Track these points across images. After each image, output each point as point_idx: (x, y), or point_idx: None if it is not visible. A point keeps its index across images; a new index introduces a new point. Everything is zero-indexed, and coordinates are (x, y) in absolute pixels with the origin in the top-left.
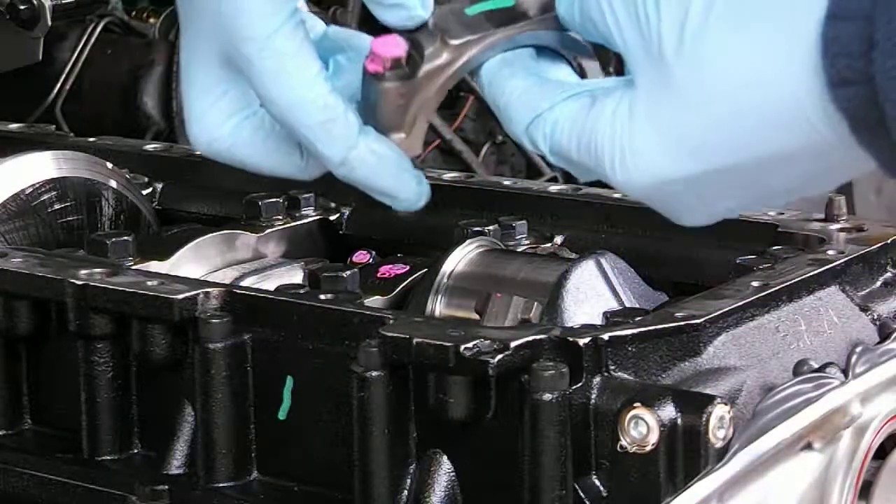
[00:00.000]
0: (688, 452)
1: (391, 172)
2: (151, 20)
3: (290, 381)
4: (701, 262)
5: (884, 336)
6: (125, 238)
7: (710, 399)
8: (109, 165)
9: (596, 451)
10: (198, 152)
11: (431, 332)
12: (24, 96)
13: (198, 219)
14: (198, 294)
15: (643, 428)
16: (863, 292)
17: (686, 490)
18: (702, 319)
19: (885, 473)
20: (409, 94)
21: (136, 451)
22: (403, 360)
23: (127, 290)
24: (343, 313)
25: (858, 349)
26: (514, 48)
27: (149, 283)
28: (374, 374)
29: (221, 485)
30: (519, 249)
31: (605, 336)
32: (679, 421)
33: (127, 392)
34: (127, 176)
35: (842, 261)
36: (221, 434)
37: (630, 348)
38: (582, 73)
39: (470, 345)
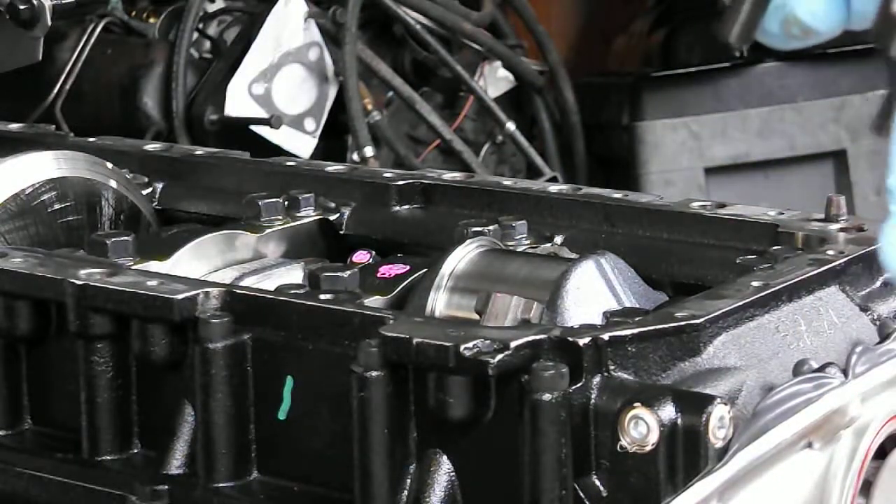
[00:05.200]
0: (688, 452)
1: None
2: (151, 20)
3: (290, 381)
4: (701, 262)
5: (884, 336)
6: (125, 238)
7: (710, 399)
8: (109, 165)
9: (596, 451)
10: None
11: (431, 332)
12: (24, 96)
13: (198, 219)
14: (198, 294)
15: (643, 428)
16: (863, 292)
17: (686, 490)
18: (702, 319)
19: (885, 473)
20: None
21: (136, 451)
22: (403, 360)
23: (127, 290)
24: (343, 313)
25: (858, 349)
26: None
27: (149, 283)
28: (374, 374)
29: (221, 485)
30: (519, 249)
31: (605, 336)
32: (679, 421)
33: (127, 392)
34: (127, 176)
35: (842, 261)
36: (221, 434)
37: (630, 348)
38: None
39: (470, 345)
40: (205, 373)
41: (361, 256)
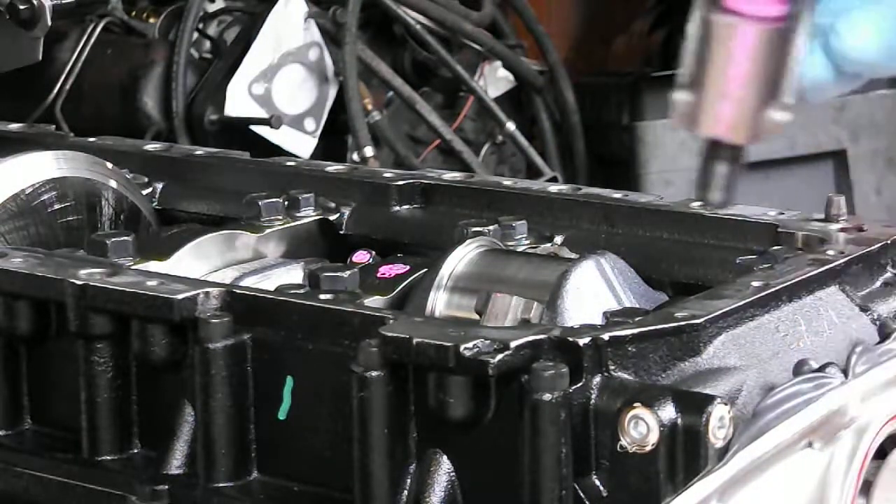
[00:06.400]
0: (688, 452)
1: None
2: (151, 20)
3: (290, 381)
4: (701, 262)
5: (884, 336)
6: (125, 238)
7: (710, 399)
8: (109, 165)
9: (596, 451)
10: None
11: (431, 332)
12: (24, 96)
13: (198, 219)
14: (198, 294)
15: (643, 428)
16: (863, 292)
17: (686, 490)
18: (702, 319)
19: (885, 473)
20: (791, 41)
21: (136, 451)
22: (403, 360)
23: (127, 290)
24: (343, 313)
25: (858, 349)
26: None
27: (149, 283)
28: (374, 374)
29: (221, 485)
30: (519, 249)
31: (605, 336)
32: (679, 421)
33: (127, 392)
34: (127, 176)
35: (842, 261)
36: (221, 434)
37: (630, 348)
38: None
39: (470, 345)
40: (205, 373)
41: (361, 256)
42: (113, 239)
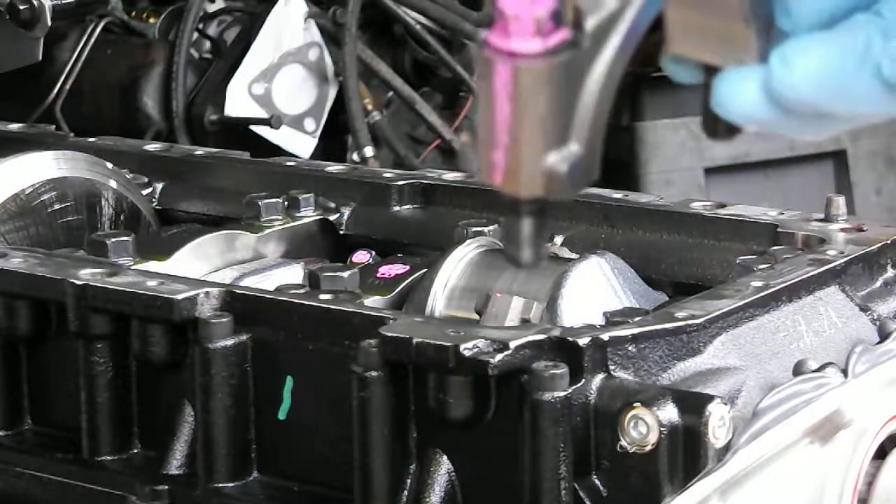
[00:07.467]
0: (688, 452)
1: None
2: (151, 20)
3: (290, 381)
4: (701, 262)
5: (884, 336)
6: (125, 238)
7: (709, 399)
8: (109, 165)
9: (596, 451)
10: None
11: (431, 332)
12: (24, 96)
13: (198, 219)
14: (198, 294)
15: (643, 428)
16: (863, 292)
17: (686, 490)
18: (702, 319)
19: (885, 473)
20: (577, 77)
21: (136, 451)
22: (403, 360)
23: (127, 290)
24: (343, 313)
25: (858, 349)
26: None
27: (149, 283)
28: (374, 374)
29: (221, 485)
30: None
31: (605, 336)
32: (679, 421)
33: (127, 392)
34: (127, 176)
35: (842, 261)
36: (221, 434)
37: (630, 348)
38: None
39: (470, 345)
40: (205, 373)
41: (361, 256)
42: (113, 239)
